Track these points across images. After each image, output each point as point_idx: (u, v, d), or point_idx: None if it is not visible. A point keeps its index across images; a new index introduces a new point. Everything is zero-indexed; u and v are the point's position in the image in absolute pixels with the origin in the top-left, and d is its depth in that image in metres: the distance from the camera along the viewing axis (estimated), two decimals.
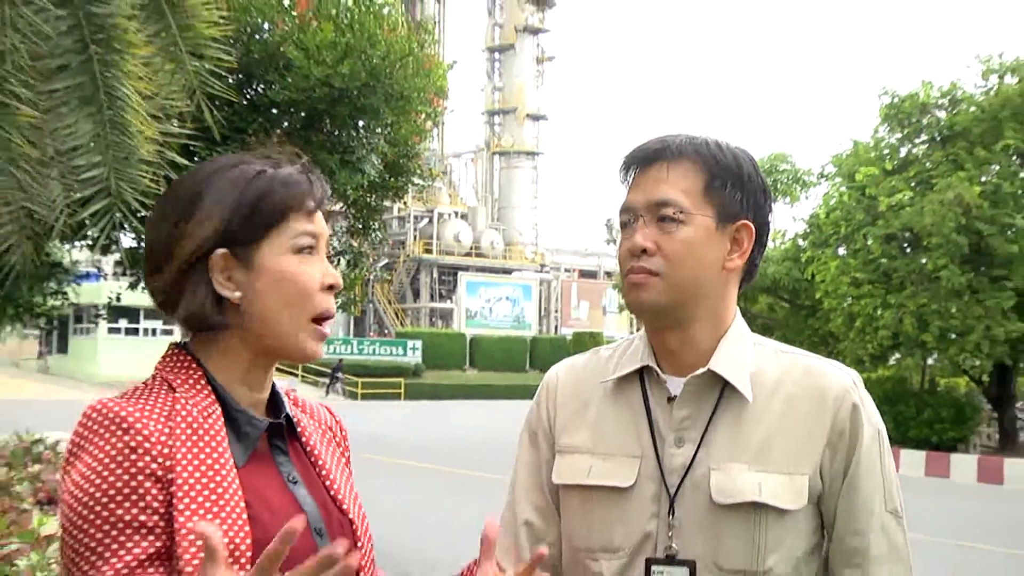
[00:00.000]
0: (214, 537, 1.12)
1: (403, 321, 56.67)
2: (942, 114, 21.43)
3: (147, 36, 7.64)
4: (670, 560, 1.66)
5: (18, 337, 34.74)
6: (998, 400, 22.59)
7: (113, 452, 1.28)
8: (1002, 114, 20.17)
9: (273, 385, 1.51)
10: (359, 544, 1.49)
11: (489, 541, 1.42)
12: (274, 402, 1.51)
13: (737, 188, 1.72)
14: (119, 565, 1.24)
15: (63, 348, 45.03)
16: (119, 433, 1.29)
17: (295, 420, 1.54)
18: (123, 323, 42.87)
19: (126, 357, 40.23)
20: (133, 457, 1.28)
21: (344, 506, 1.51)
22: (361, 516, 1.54)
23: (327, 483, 1.51)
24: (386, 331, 54.41)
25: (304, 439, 1.53)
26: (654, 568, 1.67)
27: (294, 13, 13.37)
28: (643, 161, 1.74)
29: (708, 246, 1.69)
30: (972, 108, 20.86)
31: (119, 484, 1.27)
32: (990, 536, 11.23)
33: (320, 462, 1.53)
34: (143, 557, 1.25)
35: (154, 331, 42.81)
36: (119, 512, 1.26)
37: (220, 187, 1.42)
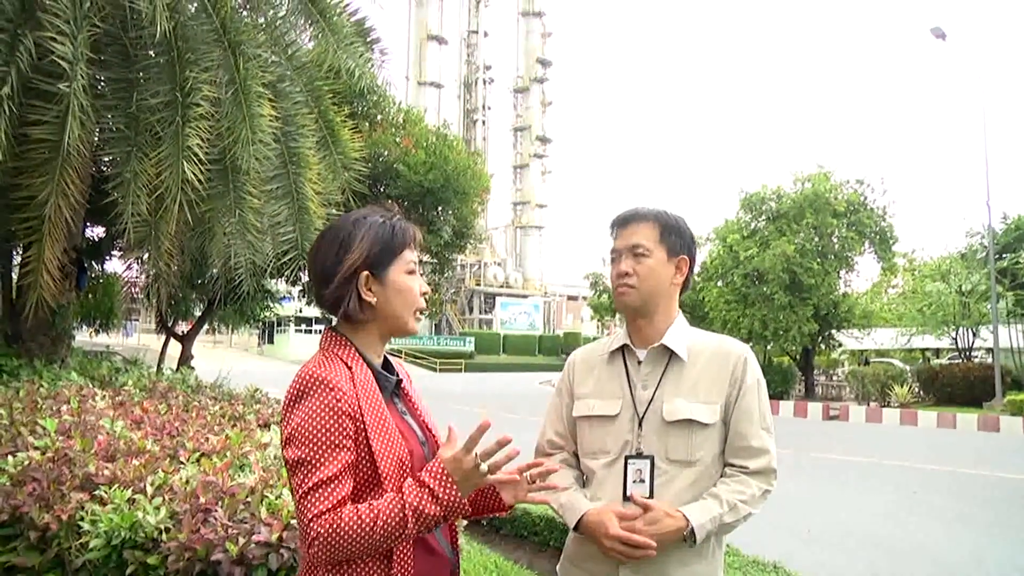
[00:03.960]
0: (453, 431, 1.30)
1: (463, 325, 56.41)
2: (774, 204, 21.26)
3: (319, 158, 7.83)
4: (639, 455, 1.65)
5: (247, 333, 35.50)
6: (804, 369, 22.64)
7: (325, 402, 1.25)
8: (804, 204, 20.33)
9: (386, 357, 1.45)
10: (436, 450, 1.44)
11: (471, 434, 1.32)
12: (386, 366, 1.44)
13: (678, 237, 1.72)
14: (339, 464, 1.24)
15: (271, 340, 44.91)
16: (327, 391, 1.26)
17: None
18: (303, 326, 42.80)
19: (304, 345, 40.22)
20: (339, 406, 1.25)
21: (430, 427, 1.46)
22: (437, 435, 1.48)
23: (419, 414, 1.46)
24: (453, 331, 54.21)
25: (403, 388, 1.47)
26: (630, 461, 1.65)
27: (401, 145, 13.54)
28: (623, 222, 1.74)
29: (662, 270, 1.69)
30: (789, 201, 20.82)
31: (330, 422, 1.24)
32: (792, 440, 11.21)
33: (413, 402, 1.47)
34: (346, 463, 1.25)
35: (319, 330, 42.65)
36: (331, 437, 1.24)
37: (365, 231, 1.37)
